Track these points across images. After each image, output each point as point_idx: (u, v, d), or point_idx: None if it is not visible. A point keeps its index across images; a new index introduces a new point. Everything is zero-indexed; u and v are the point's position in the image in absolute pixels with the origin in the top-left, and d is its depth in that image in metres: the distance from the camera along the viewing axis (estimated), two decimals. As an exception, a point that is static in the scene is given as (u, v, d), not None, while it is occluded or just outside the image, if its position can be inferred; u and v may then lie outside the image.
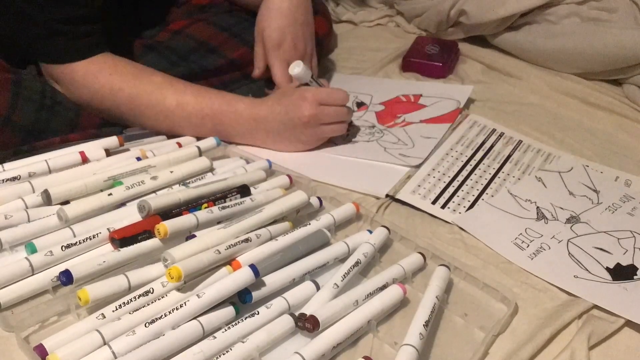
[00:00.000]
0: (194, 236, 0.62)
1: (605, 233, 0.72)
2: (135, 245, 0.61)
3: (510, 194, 0.79)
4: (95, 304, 0.55)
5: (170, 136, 0.82)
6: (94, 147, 0.74)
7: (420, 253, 0.66)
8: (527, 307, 0.63)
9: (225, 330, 0.54)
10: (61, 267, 0.58)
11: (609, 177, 0.83)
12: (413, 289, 0.63)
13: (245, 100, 0.81)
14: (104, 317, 0.54)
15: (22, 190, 0.67)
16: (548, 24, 1.07)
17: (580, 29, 1.02)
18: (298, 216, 0.71)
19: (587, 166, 0.85)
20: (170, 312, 0.53)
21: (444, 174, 0.82)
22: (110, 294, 0.56)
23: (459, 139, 0.90)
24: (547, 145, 0.89)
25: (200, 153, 0.78)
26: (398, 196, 0.77)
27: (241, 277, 0.55)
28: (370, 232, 0.68)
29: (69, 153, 0.72)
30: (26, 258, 0.58)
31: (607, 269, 0.67)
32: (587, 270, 0.67)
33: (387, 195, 0.77)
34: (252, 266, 0.56)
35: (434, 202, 0.77)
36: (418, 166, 0.83)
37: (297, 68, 0.82)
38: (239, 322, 0.55)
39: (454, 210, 0.76)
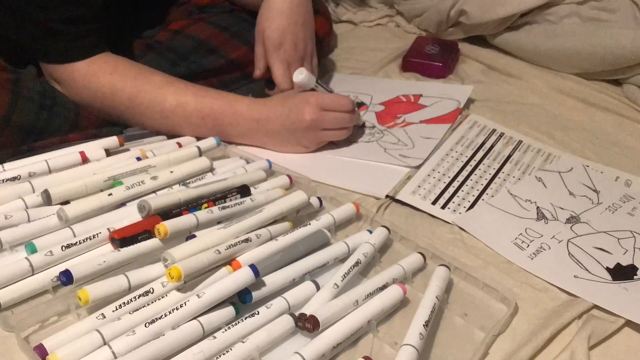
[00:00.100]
0: (194, 236, 0.62)
1: (606, 233, 0.72)
2: (135, 245, 0.61)
3: (511, 194, 0.79)
4: (95, 304, 0.55)
5: (170, 136, 0.82)
6: (94, 147, 0.74)
7: (420, 253, 0.66)
8: (527, 307, 0.63)
9: (225, 330, 0.54)
10: (61, 267, 0.58)
11: (609, 177, 0.83)
12: (413, 289, 0.63)
13: (246, 101, 0.81)
14: (104, 317, 0.54)
15: (22, 190, 0.67)
16: (548, 24, 1.07)
17: (580, 29, 1.02)
18: (298, 216, 0.71)
19: (587, 166, 0.85)
20: (170, 312, 0.53)
21: (444, 175, 0.82)
22: (110, 294, 0.56)
23: (459, 139, 0.90)
24: (547, 145, 0.89)
25: (200, 153, 0.78)
26: (398, 197, 0.77)
27: (241, 277, 0.55)
28: (370, 232, 0.68)
29: (69, 153, 0.72)
30: (26, 258, 0.59)
31: (607, 269, 0.67)
32: (587, 270, 0.67)
33: (387, 196, 0.78)
34: (252, 266, 0.56)
35: (434, 203, 0.77)
36: (418, 167, 0.83)
37: (301, 75, 0.82)
38: (239, 322, 0.55)
39: (454, 211, 0.76)
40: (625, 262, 0.68)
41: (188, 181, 0.74)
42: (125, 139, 0.79)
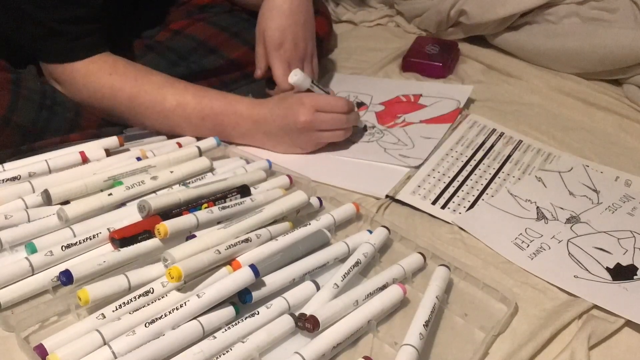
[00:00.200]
0: (194, 236, 0.62)
1: (605, 233, 0.72)
2: (135, 245, 0.61)
3: (510, 194, 0.79)
4: (95, 304, 0.55)
5: (170, 136, 0.82)
6: (94, 147, 0.74)
7: (420, 253, 0.66)
8: (527, 307, 0.63)
9: (226, 330, 0.54)
10: (61, 267, 0.58)
11: (609, 177, 0.83)
12: (413, 289, 0.63)
13: (246, 101, 0.81)
14: (104, 317, 0.54)
15: (22, 190, 0.67)
16: (548, 24, 1.07)
17: (580, 29, 1.02)
18: (298, 216, 0.71)
19: (587, 166, 0.85)
20: (170, 312, 0.53)
21: (444, 174, 0.82)
22: (110, 294, 0.56)
23: (459, 139, 0.90)
24: (547, 145, 0.89)
25: (201, 153, 0.78)
26: (398, 197, 0.77)
27: (241, 277, 0.55)
28: (370, 232, 0.68)
29: (69, 153, 0.72)
30: (26, 258, 0.59)
31: (607, 269, 0.67)
32: (587, 270, 0.67)
33: (387, 196, 0.78)
34: (252, 266, 0.56)
35: (434, 203, 0.77)
36: (418, 167, 0.83)
37: (295, 76, 0.82)
38: (239, 322, 0.55)
39: (454, 211, 0.76)
40: (625, 262, 0.68)
41: (188, 181, 0.74)
42: (125, 139, 0.79)
